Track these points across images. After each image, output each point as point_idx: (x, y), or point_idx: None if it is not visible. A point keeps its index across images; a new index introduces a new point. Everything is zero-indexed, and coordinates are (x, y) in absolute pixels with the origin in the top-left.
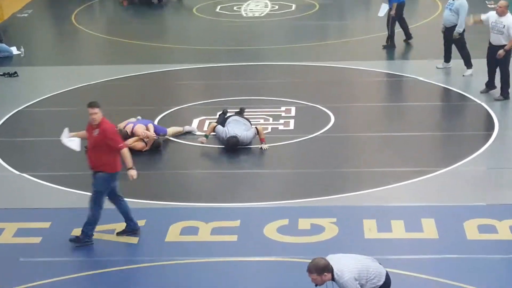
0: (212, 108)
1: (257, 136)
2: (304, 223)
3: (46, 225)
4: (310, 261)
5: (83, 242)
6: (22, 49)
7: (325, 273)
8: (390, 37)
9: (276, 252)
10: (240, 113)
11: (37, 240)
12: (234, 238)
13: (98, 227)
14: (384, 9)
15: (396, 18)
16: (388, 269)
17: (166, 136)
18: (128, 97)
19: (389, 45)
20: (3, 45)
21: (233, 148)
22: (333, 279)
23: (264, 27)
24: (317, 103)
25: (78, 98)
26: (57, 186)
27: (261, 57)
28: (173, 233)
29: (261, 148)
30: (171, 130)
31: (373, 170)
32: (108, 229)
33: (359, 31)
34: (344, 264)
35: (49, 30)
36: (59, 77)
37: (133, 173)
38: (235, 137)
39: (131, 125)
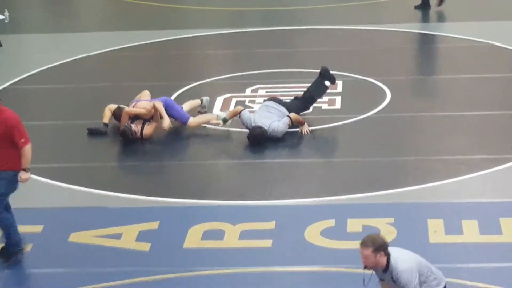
0: (239, 84)
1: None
2: (354, 225)
3: (38, 228)
4: (362, 270)
5: (16, 252)
6: (6, 13)
7: (381, 252)
8: None
9: (320, 260)
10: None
11: (27, 247)
12: (268, 243)
13: (100, 231)
14: None
15: None
16: (459, 281)
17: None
18: (136, 70)
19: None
20: None
21: (257, 141)
22: (386, 267)
23: None
24: (369, 76)
25: (74, 72)
26: (51, 181)
27: (299, 20)
28: (193, 238)
29: (301, 131)
30: (187, 105)
31: (440, 158)
32: (113, 234)
33: None
34: (404, 253)
35: None
36: (51, 47)
37: (25, 176)
38: (259, 127)
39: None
